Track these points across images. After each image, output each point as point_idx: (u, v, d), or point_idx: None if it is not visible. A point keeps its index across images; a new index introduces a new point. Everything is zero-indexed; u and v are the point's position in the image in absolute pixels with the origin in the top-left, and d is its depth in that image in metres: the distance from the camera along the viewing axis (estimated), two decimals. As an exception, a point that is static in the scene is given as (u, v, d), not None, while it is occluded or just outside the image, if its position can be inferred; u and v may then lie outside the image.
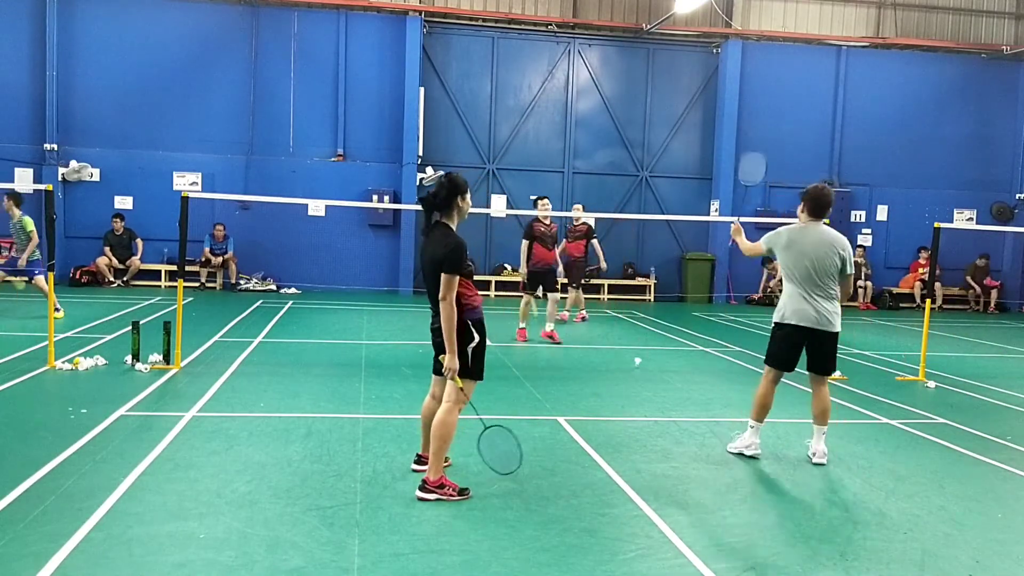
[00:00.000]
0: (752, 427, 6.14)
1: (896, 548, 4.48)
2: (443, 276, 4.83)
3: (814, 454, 6.05)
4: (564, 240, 13.86)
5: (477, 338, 5.03)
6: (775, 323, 6.14)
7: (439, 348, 5.10)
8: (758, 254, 6.44)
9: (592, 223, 14.22)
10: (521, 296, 12.20)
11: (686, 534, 4.54)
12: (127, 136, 17.38)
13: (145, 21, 17.32)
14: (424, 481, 4.97)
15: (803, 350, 6.06)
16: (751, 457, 6.06)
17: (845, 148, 19.82)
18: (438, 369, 5.20)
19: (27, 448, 5.62)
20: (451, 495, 4.94)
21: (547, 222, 12.11)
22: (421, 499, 4.90)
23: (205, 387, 7.70)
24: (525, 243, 11.57)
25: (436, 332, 5.10)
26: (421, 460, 5.40)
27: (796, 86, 19.51)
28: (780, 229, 6.14)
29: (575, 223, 13.86)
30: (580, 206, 14.35)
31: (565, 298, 11.72)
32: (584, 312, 14.75)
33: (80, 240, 17.12)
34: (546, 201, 12.02)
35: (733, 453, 6.13)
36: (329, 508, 4.71)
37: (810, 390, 6.19)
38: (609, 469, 5.70)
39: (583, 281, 14.32)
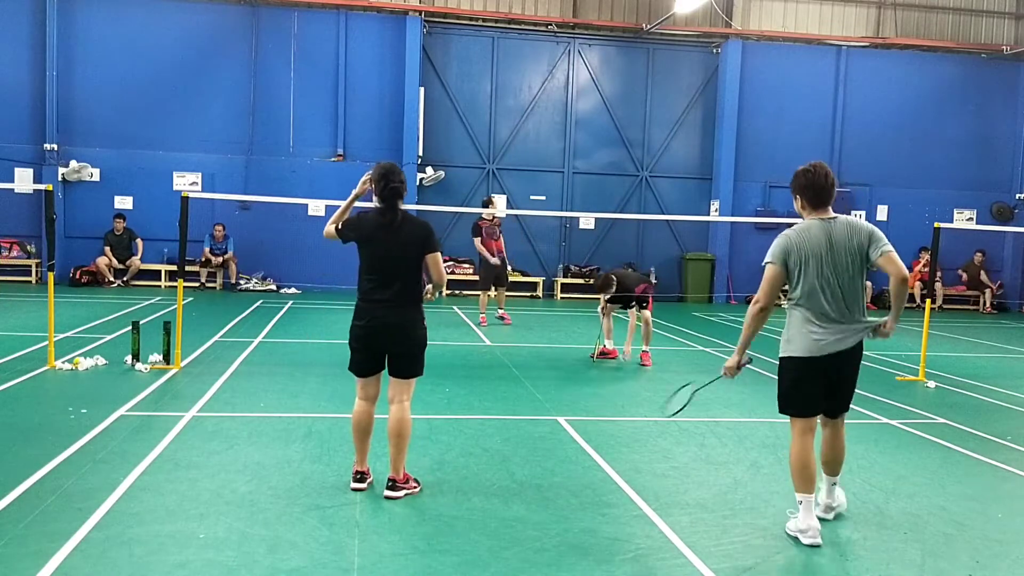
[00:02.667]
0: (801, 503, 4.53)
1: (896, 548, 4.47)
2: (433, 256, 4.98)
3: (831, 507, 4.78)
4: (484, 237, 13.37)
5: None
6: (782, 357, 4.68)
7: (385, 342, 4.96)
8: (778, 283, 4.59)
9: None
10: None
11: (686, 534, 4.54)
12: (127, 136, 17.37)
13: (145, 21, 17.31)
14: (393, 481, 4.95)
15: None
16: (810, 546, 4.43)
17: (845, 148, 19.81)
18: (374, 369, 5.06)
19: (27, 448, 5.62)
20: (415, 487, 5.03)
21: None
22: (390, 498, 4.88)
23: (205, 387, 7.70)
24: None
25: (391, 330, 4.93)
26: (363, 477, 5.09)
27: (796, 86, 19.50)
28: (783, 235, 4.63)
29: (493, 219, 13.49)
30: (495, 199, 14.02)
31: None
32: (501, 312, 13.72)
33: (80, 240, 17.12)
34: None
35: (789, 535, 4.58)
36: (329, 508, 4.71)
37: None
38: (609, 469, 5.70)
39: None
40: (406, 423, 5.00)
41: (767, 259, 4.60)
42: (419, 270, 5.00)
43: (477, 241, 13.42)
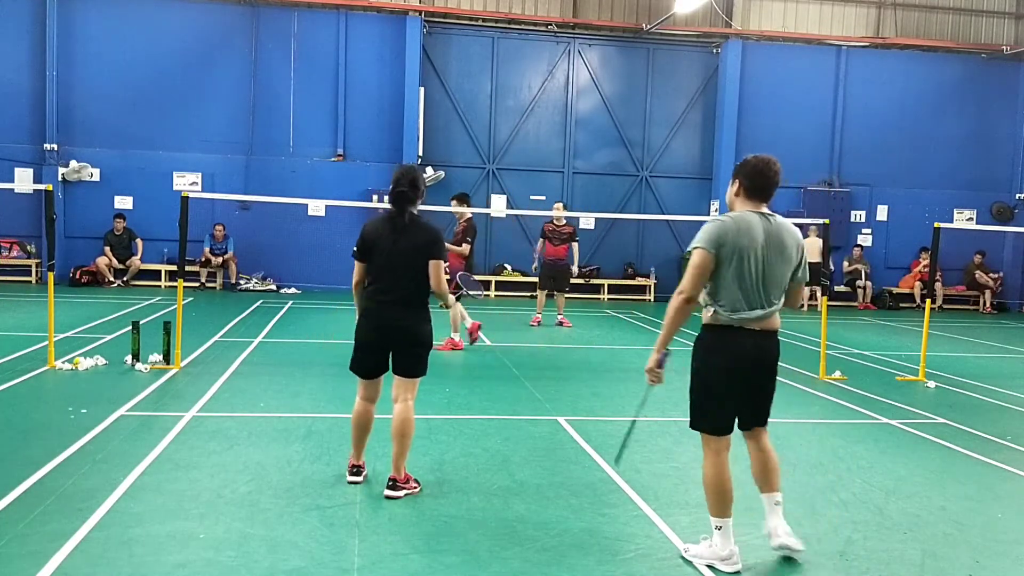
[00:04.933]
0: (718, 528, 4.18)
1: (896, 548, 4.48)
2: (435, 263, 4.97)
3: (774, 533, 4.28)
4: (545, 242, 13.57)
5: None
6: (698, 365, 4.26)
7: (391, 342, 5.00)
8: (708, 273, 4.12)
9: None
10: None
11: (686, 534, 4.54)
12: (127, 136, 17.37)
13: (145, 21, 17.31)
14: (394, 480, 4.97)
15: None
16: (732, 574, 4.14)
17: (845, 148, 19.81)
18: (378, 370, 5.09)
19: (27, 448, 5.62)
20: (415, 487, 5.05)
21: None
22: (391, 497, 4.89)
23: (205, 387, 7.70)
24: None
25: (397, 330, 4.97)
26: (359, 471, 5.20)
27: (796, 86, 19.50)
28: (717, 220, 4.17)
29: (558, 223, 13.56)
30: (562, 204, 14.18)
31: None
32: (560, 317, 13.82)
33: (80, 240, 17.12)
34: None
35: (696, 563, 4.22)
36: (329, 508, 4.72)
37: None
38: (609, 469, 5.70)
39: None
40: (409, 422, 5.01)
41: (696, 243, 4.12)
42: (426, 273, 5.00)
43: (539, 243, 13.77)
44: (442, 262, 5.04)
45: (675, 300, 4.15)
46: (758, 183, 4.16)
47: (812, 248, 18.24)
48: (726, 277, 4.07)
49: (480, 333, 10.83)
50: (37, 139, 17.09)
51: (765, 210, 4.18)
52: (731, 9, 19.04)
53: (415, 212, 5.06)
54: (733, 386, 4.16)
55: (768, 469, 4.36)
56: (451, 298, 5.38)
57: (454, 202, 11.04)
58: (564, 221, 13.56)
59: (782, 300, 4.21)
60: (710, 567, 4.15)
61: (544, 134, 19.13)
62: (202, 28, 17.58)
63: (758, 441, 4.38)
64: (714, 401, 4.19)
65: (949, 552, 4.46)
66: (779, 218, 4.21)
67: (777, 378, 4.28)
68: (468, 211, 10.97)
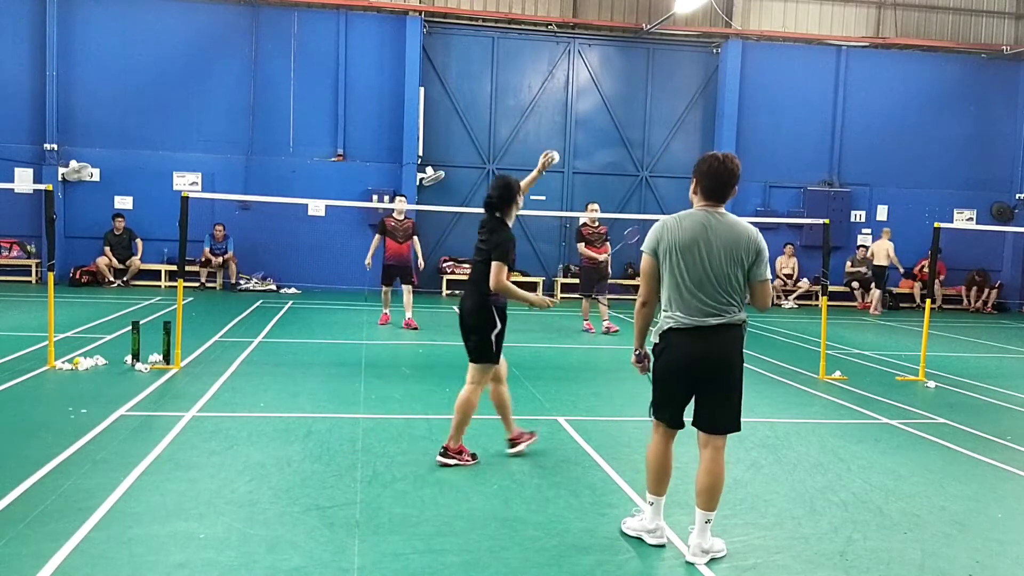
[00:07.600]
0: (650, 503, 4.41)
1: (896, 548, 4.48)
2: (495, 264, 5.48)
3: (693, 550, 4.21)
4: (585, 244, 12.85)
5: (500, 326, 5.62)
6: (653, 364, 4.36)
7: (461, 323, 5.76)
8: (655, 275, 4.28)
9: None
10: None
11: (686, 534, 4.53)
12: (127, 136, 17.37)
13: (145, 21, 17.31)
14: (445, 448, 5.61)
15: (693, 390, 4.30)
16: (655, 546, 4.37)
17: (845, 148, 19.81)
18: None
19: (27, 448, 5.62)
20: (467, 460, 5.64)
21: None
22: (442, 464, 5.54)
23: (205, 387, 7.70)
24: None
25: (462, 311, 5.74)
26: (516, 443, 5.96)
27: (796, 86, 19.50)
28: (659, 222, 4.33)
29: (593, 224, 13.05)
30: (596, 205, 13.34)
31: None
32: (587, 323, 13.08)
33: (80, 240, 17.11)
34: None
35: (630, 535, 4.47)
36: (329, 508, 4.72)
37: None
38: (609, 469, 5.71)
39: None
40: (465, 402, 5.64)
41: (642, 248, 4.32)
42: (486, 266, 5.54)
43: (580, 246, 12.92)
44: (495, 264, 5.49)
45: (636, 305, 4.40)
46: (712, 184, 4.27)
47: (879, 251, 18.28)
48: (664, 275, 4.23)
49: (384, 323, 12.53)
50: (37, 139, 17.09)
51: (721, 209, 4.27)
52: (731, 9, 19.04)
53: (500, 217, 5.65)
54: (680, 385, 4.27)
55: (712, 487, 4.24)
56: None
57: (403, 199, 12.59)
58: (598, 222, 13.06)
59: (731, 301, 4.16)
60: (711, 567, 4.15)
61: (544, 134, 19.11)
62: (202, 28, 17.58)
63: (712, 452, 4.29)
64: (665, 397, 4.34)
65: (949, 552, 4.46)
66: (729, 216, 4.24)
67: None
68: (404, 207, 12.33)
